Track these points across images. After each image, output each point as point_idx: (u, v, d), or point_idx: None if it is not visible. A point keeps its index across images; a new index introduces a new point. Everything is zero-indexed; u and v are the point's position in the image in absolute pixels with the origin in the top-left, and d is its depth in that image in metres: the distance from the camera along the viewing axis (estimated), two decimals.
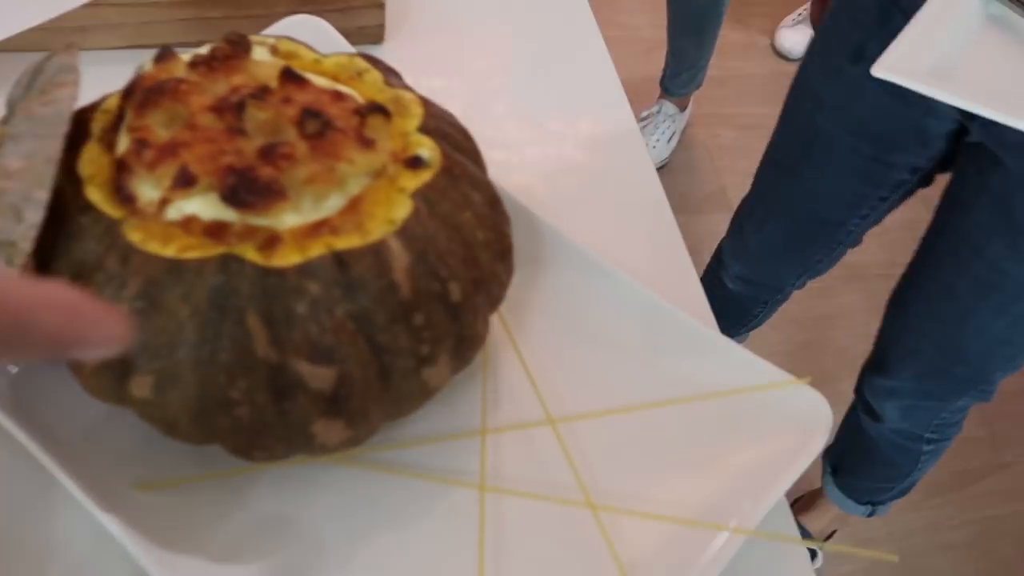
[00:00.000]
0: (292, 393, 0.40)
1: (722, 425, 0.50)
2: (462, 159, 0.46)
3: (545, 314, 0.54)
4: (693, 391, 0.51)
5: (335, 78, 0.48)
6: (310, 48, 0.50)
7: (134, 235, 0.40)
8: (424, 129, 0.45)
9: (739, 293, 1.32)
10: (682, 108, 2.06)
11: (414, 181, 0.43)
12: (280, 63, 0.45)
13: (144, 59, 0.46)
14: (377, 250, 0.40)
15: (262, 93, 0.42)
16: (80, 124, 0.45)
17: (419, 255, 0.41)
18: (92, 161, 0.43)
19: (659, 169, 2.06)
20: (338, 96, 0.44)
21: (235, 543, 0.45)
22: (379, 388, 0.42)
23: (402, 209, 0.42)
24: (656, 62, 2.03)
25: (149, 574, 0.41)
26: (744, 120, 2.21)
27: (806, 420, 0.49)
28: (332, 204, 0.41)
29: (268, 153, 0.40)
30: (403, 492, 0.47)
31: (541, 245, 0.55)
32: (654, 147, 2.02)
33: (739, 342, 1.37)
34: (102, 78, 0.51)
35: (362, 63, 0.49)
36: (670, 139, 2.04)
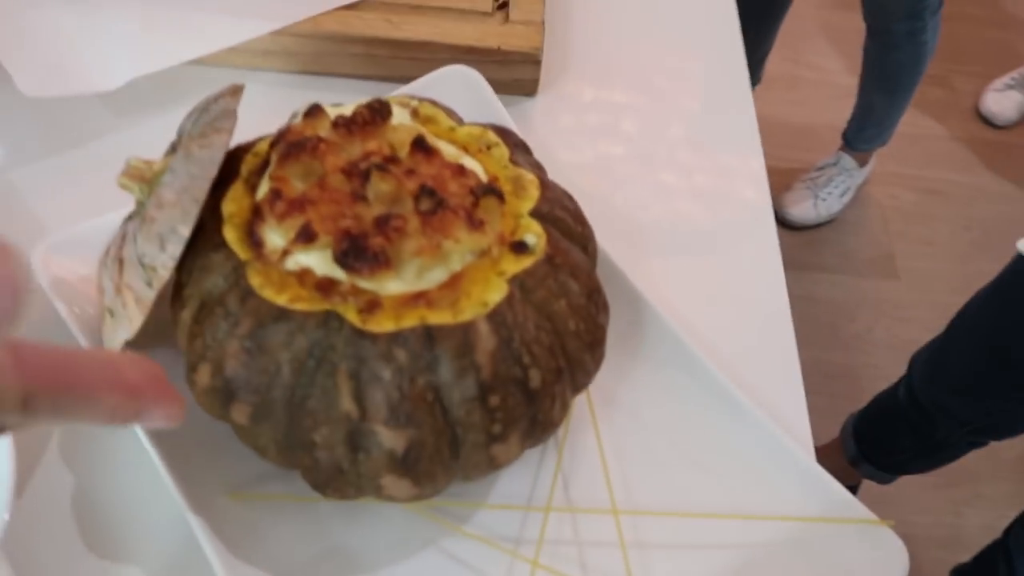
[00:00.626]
0: (367, 448, 0.43)
1: (791, 549, 0.49)
2: (567, 246, 0.47)
3: (632, 401, 0.55)
4: (768, 509, 0.50)
5: (465, 148, 0.50)
6: (451, 115, 0.52)
7: (255, 279, 0.44)
8: (536, 213, 0.47)
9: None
10: (862, 164, 1.97)
11: (515, 266, 0.45)
12: (415, 131, 0.48)
13: (305, 105, 0.50)
14: (466, 330, 0.42)
15: (387, 164, 0.45)
16: (233, 161, 0.49)
17: (504, 341, 0.43)
18: (235, 200, 0.47)
19: (826, 224, 1.98)
20: (461, 171, 0.47)
21: (302, 564, 0.49)
22: (448, 456, 0.44)
23: (497, 293, 0.43)
24: (842, 111, 1.95)
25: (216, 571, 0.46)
26: (929, 184, 2.08)
27: (883, 565, 0.48)
28: (434, 277, 0.44)
29: (383, 223, 0.43)
30: (461, 548, 0.50)
31: (642, 327, 0.56)
32: (824, 200, 1.94)
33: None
34: (275, 98, 0.56)
35: (493, 137, 0.51)
36: (843, 194, 1.96)
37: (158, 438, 0.49)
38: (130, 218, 0.49)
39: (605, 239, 0.57)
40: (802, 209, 1.94)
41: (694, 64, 0.75)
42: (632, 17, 0.78)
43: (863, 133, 1.90)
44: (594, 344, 0.48)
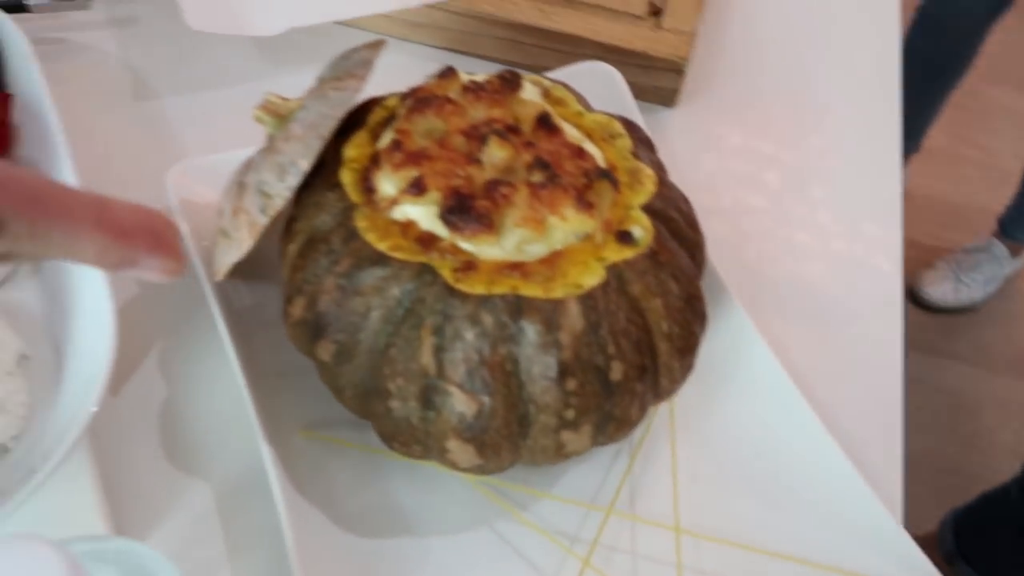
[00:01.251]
0: (437, 406, 0.43)
1: None
2: (674, 247, 0.46)
3: (717, 422, 0.53)
4: (838, 562, 0.47)
5: (589, 134, 0.50)
6: (581, 101, 0.52)
7: (361, 222, 0.45)
8: (648, 208, 0.46)
9: None
10: (1014, 254, 1.85)
11: (616, 254, 0.44)
12: (541, 108, 0.48)
13: (441, 68, 0.51)
14: (554, 307, 0.42)
15: (508, 132, 0.45)
16: (363, 111, 0.50)
17: (592, 325, 0.42)
18: (357, 146, 0.48)
19: (965, 311, 1.87)
20: (579, 153, 0.46)
21: (358, 512, 0.49)
22: (516, 432, 0.44)
23: (593, 277, 0.43)
24: (1001, 195, 1.84)
25: (277, 506, 0.46)
26: None
27: None
28: (533, 251, 0.44)
29: (492, 187, 0.43)
30: (515, 533, 0.49)
31: (740, 351, 0.54)
32: (967, 284, 1.83)
33: None
34: (415, 70, 0.56)
35: (619, 128, 0.50)
36: (988, 282, 1.84)
37: (248, 365, 0.50)
38: (263, 148, 0.51)
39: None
40: (941, 290, 1.83)
41: (847, 122, 0.72)
42: (788, 52, 0.76)
43: (1021, 222, 1.79)
44: (685, 351, 0.46)
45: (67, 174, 0.53)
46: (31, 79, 0.57)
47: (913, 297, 1.82)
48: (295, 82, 0.57)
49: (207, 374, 0.54)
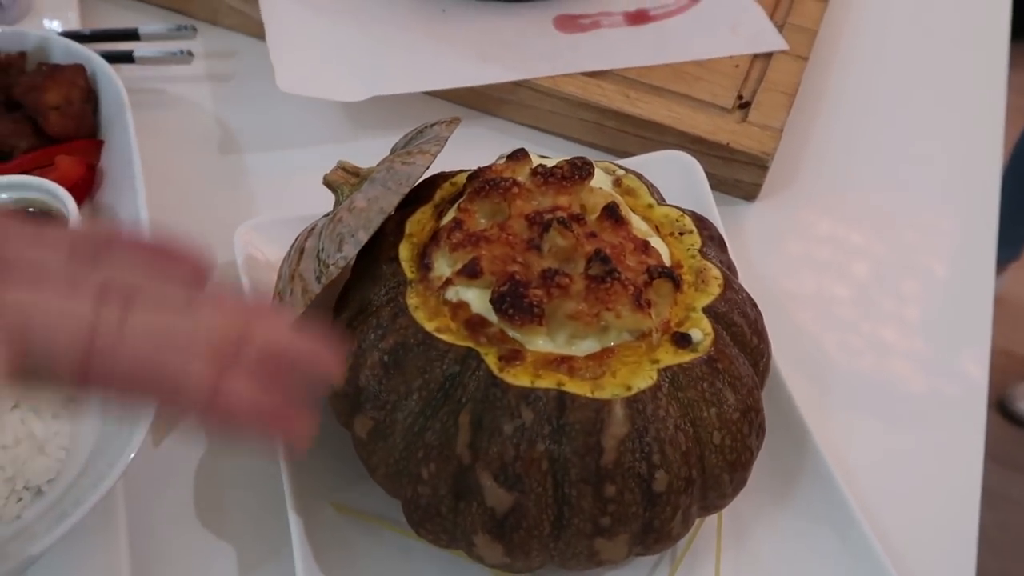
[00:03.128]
0: (468, 498, 0.41)
1: None
2: (735, 354, 0.44)
3: (767, 544, 0.49)
4: None
5: (657, 228, 0.48)
6: (653, 191, 0.51)
7: (412, 299, 0.44)
8: (711, 310, 0.44)
9: None
10: None
11: (671, 358, 0.42)
12: (611, 197, 0.47)
13: (514, 149, 0.50)
14: (599, 408, 0.40)
15: (572, 221, 0.44)
16: (431, 186, 0.50)
17: (638, 431, 0.40)
18: (419, 222, 0.48)
19: None
20: (644, 248, 0.45)
21: None
22: (548, 534, 0.41)
23: (644, 380, 0.41)
24: None
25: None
26: None
27: None
28: (584, 346, 0.42)
29: (548, 277, 0.42)
30: None
31: (801, 470, 0.50)
32: None
33: None
34: (497, 144, 0.56)
35: (689, 224, 0.48)
36: None
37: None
38: (327, 216, 0.51)
39: (796, 371, 0.53)
40: None
41: (937, 227, 0.69)
42: (879, 152, 0.73)
43: None
44: (737, 465, 0.43)
45: (141, 219, 0.54)
46: (122, 127, 0.59)
47: (1003, 410, 1.72)
48: (378, 146, 0.57)
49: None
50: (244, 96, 0.72)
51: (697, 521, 0.49)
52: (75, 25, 0.72)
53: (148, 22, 0.74)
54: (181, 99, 0.71)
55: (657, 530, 0.42)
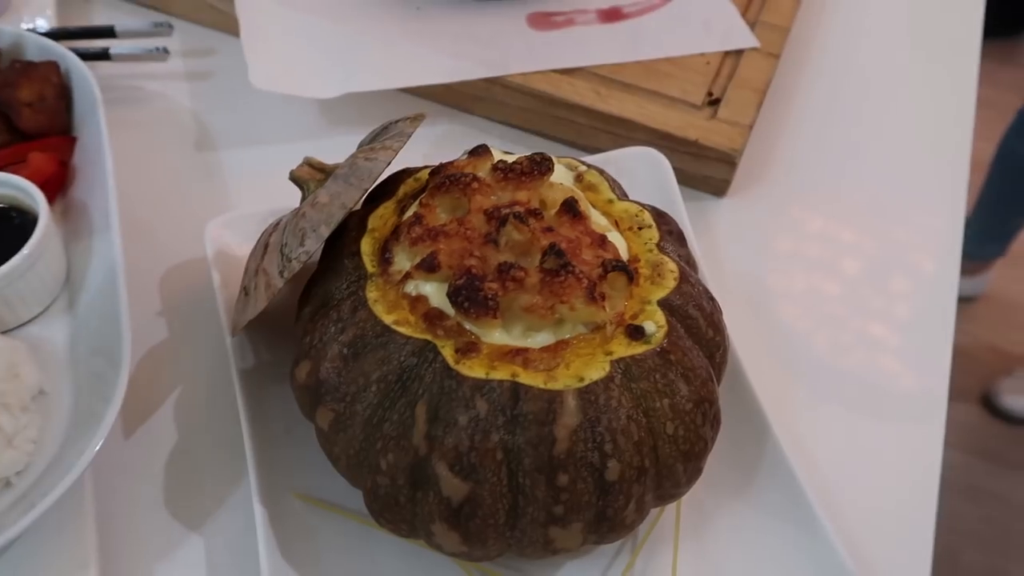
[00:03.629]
0: (425, 488, 0.42)
1: None
2: (689, 346, 0.44)
3: (726, 534, 0.50)
4: None
5: (617, 223, 0.49)
6: (615, 187, 0.51)
7: (372, 293, 0.45)
8: (666, 303, 0.45)
9: None
10: None
11: (624, 350, 0.43)
12: (570, 192, 0.47)
13: (476, 145, 0.51)
14: (551, 399, 0.40)
15: (529, 215, 0.45)
16: (395, 182, 0.51)
17: (590, 421, 0.41)
18: (381, 217, 0.49)
19: None
20: (601, 242, 0.45)
21: None
22: (504, 523, 0.42)
23: (596, 371, 0.41)
24: None
25: (262, 567, 0.46)
26: None
27: None
28: (539, 339, 0.43)
29: (503, 271, 0.43)
30: None
31: (761, 463, 0.51)
32: None
33: None
34: (471, 140, 0.57)
35: (648, 218, 0.49)
36: None
37: (255, 421, 0.51)
38: (291, 211, 0.52)
39: (760, 362, 0.54)
40: (1019, 400, 1.73)
41: (903, 224, 0.69)
42: (848, 149, 0.74)
43: None
44: (691, 455, 0.44)
45: (112, 216, 0.54)
46: (95, 124, 0.60)
47: (989, 404, 1.73)
48: (351, 142, 0.58)
49: (217, 426, 0.54)
50: (220, 93, 0.73)
51: (656, 511, 0.50)
52: (53, 23, 0.73)
53: (125, 19, 0.75)
54: (157, 96, 0.72)
55: (611, 519, 0.42)
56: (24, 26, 0.71)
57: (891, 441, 0.57)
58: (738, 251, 0.66)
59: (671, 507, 0.50)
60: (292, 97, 0.68)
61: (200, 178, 0.67)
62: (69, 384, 0.52)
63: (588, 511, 0.42)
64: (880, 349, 0.62)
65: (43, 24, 0.72)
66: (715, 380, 0.46)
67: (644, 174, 0.62)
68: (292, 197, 0.56)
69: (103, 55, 0.70)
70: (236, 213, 0.59)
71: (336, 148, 0.57)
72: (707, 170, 0.68)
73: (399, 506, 0.43)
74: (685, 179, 0.67)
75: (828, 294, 0.65)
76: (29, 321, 0.54)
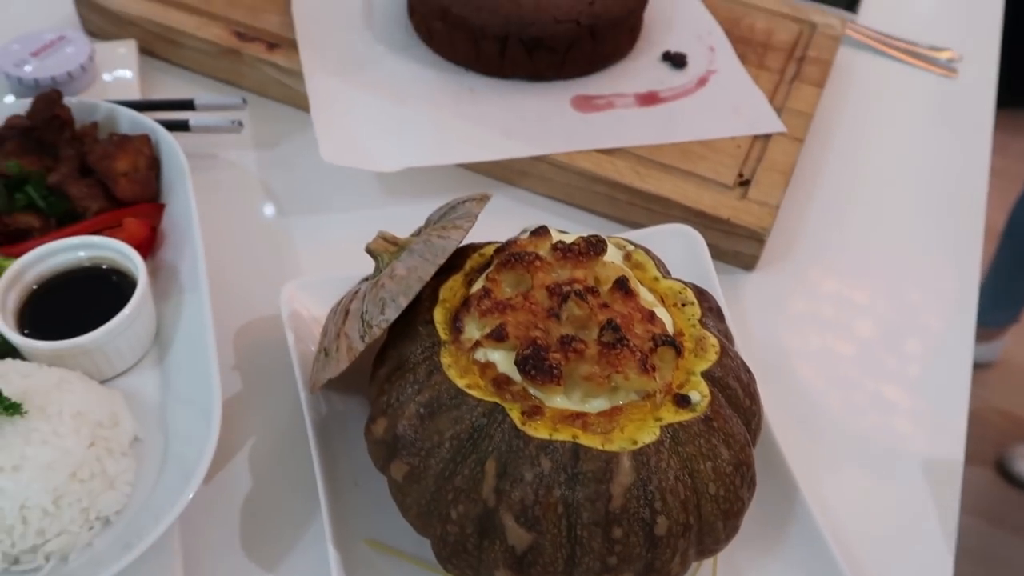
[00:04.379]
0: (492, 537, 0.47)
1: None
2: (729, 414, 0.49)
3: None
4: None
5: (663, 299, 0.54)
6: (659, 265, 0.57)
7: (445, 358, 0.50)
8: (708, 375, 0.50)
9: None
10: None
11: (673, 416, 0.47)
12: (621, 271, 0.53)
13: (536, 226, 0.56)
14: (608, 459, 0.45)
15: (587, 292, 0.50)
16: (461, 256, 0.56)
17: (642, 480, 0.45)
18: (451, 289, 0.54)
19: None
20: (650, 317, 0.51)
21: None
22: (562, 571, 0.47)
23: (648, 435, 0.46)
24: None
25: None
26: None
27: None
28: (596, 404, 0.48)
29: (565, 342, 0.48)
30: None
31: (791, 521, 0.56)
32: None
33: None
34: (517, 213, 0.62)
35: (691, 296, 0.54)
36: None
37: (327, 471, 0.55)
38: (367, 279, 0.58)
39: (788, 425, 0.58)
40: None
41: (923, 295, 0.75)
42: (868, 226, 0.80)
43: None
44: (730, 514, 0.49)
45: (201, 279, 0.60)
46: (183, 192, 0.66)
47: (1002, 470, 1.75)
48: (409, 212, 0.64)
49: (289, 475, 0.59)
50: (287, 163, 0.79)
51: (694, 565, 0.54)
52: (136, 95, 0.80)
53: (199, 92, 0.81)
54: (229, 165, 0.78)
55: (658, 570, 0.47)
56: (110, 97, 0.78)
57: (909, 501, 0.61)
58: (765, 320, 0.71)
59: (707, 561, 0.55)
60: (355, 170, 0.74)
61: (271, 242, 0.73)
62: (159, 432, 0.57)
63: (638, 562, 0.46)
64: (896, 411, 0.67)
65: (127, 95, 0.79)
66: (751, 445, 0.51)
67: (680, 249, 0.68)
68: (356, 263, 0.62)
69: (183, 126, 0.77)
70: (308, 278, 0.65)
71: (394, 218, 0.62)
72: (738, 246, 0.73)
73: (466, 553, 0.48)
74: (716, 253, 0.72)
75: (845, 355, 0.70)
76: (123, 373, 0.59)
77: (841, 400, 0.67)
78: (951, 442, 0.65)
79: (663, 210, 0.74)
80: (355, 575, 0.53)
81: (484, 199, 0.57)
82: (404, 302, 0.51)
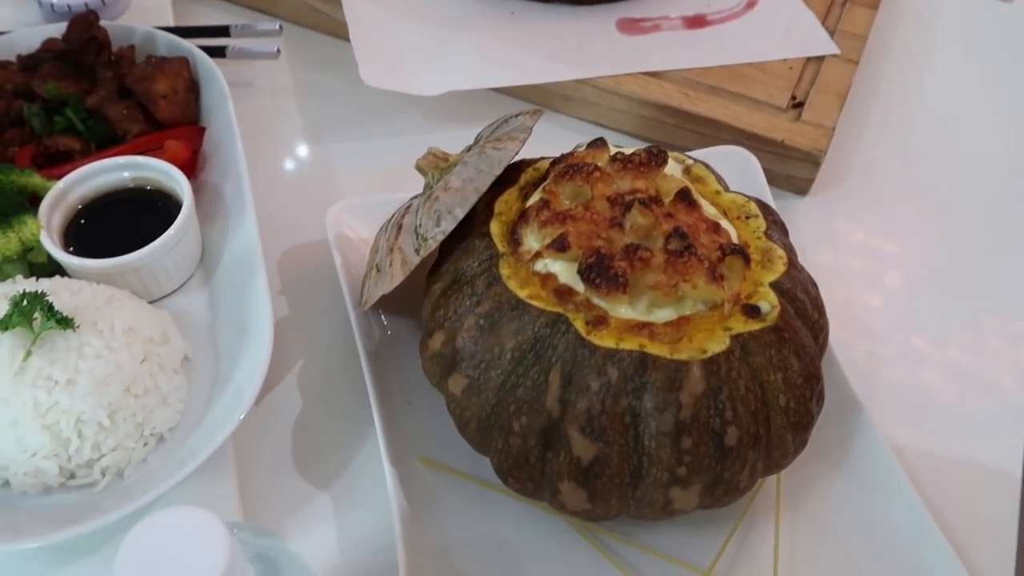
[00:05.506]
0: (556, 448, 0.46)
1: None
2: (798, 326, 0.48)
3: (826, 503, 0.53)
4: None
5: (725, 212, 0.52)
6: (720, 180, 0.55)
7: (504, 270, 0.48)
8: (776, 286, 0.48)
9: None
10: None
11: (742, 326, 0.46)
12: (683, 183, 0.51)
13: (594, 138, 0.54)
14: (678, 367, 0.44)
15: (651, 202, 0.48)
16: (514, 171, 0.55)
17: (712, 389, 0.44)
18: (507, 202, 0.52)
19: None
20: (715, 228, 0.49)
21: (464, 540, 0.52)
22: (627, 483, 0.46)
23: (717, 345, 0.45)
24: None
25: (394, 524, 0.49)
26: None
27: None
28: (662, 314, 0.46)
29: (631, 251, 0.46)
30: None
31: (855, 440, 0.54)
32: None
33: None
34: (561, 138, 0.60)
35: (754, 208, 0.52)
36: None
37: (379, 391, 0.54)
38: (420, 195, 0.56)
39: (845, 348, 0.57)
40: None
41: (975, 225, 0.72)
42: (927, 152, 0.77)
43: None
44: (799, 427, 0.47)
45: (247, 201, 0.59)
46: (224, 116, 0.64)
47: None
48: (447, 138, 0.62)
49: (341, 396, 0.58)
50: (323, 90, 0.77)
51: (759, 481, 0.53)
52: (169, 22, 0.78)
53: (233, 19, 0.79)
54: (269, 91, 0.76)
55: (727, 482, 0.46)
56: (147, 25, 0.76)
57: (977, 428, 0.60)
58: (819, 245, 0.69)
59: (770, 479, 0.54)
60: (389, 94, 0.72)
61: (311, 168, 0.72)
62: (209, 352, 0.56)
63: (707, 474, 0.45)
64: (954, 344, 0.65)
65: (162, 22, 0.77)
66: (819, 359, 0.50)
67: (734, 172, 0.65)
68: (398, 186, 0.61)
69: (219, 52, 0.75)
70: (351, 200, 0.63)
71: (434, 142, 0.60)
72: (791, 169, 0.71)
73: (529, 466, 0.47)
74: (769, 178, 0.70)
75: (900, 283, 0.68)
76: (170, 294, 0.59)
77: (887, 330, 0.65)
78: (1008, 395, 0.63)
79: (713, 133, 0.71)
80: (411, 493, 0.52)
81: (536, 113, 0.55)
82: (460, 213, 0.50)
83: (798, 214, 0.71)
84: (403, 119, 0.75)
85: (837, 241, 0.70)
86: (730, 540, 0.52)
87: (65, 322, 0.48)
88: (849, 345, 0.63)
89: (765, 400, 0.46)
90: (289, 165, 0.72)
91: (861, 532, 0.52)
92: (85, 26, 0.65)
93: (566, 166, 0.51)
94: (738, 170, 0.66)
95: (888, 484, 0.52)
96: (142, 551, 0.31)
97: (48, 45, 0.66)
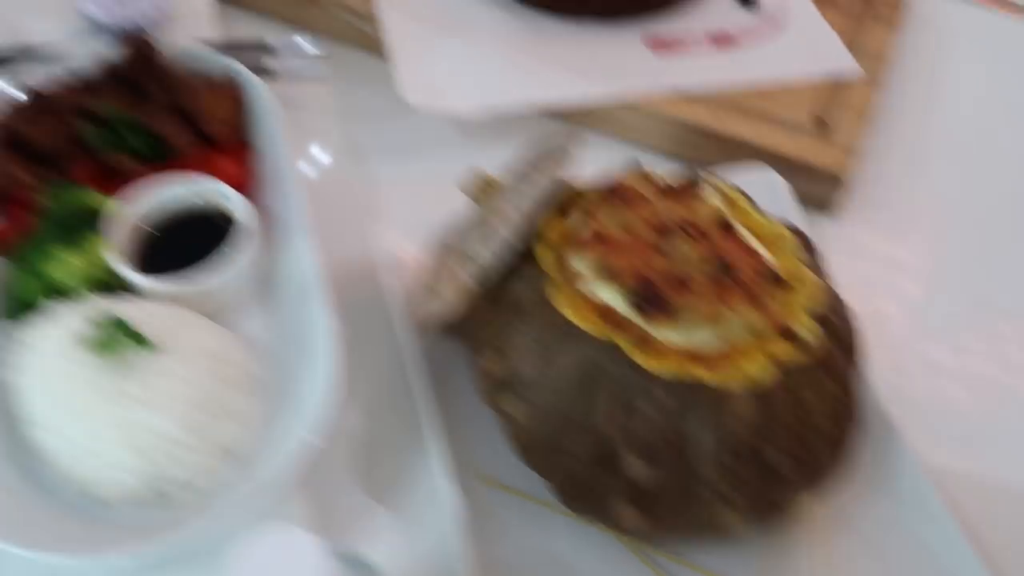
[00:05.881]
0: (610, 468, 0.48)
1: None
2: (837, 353, 0.50)
3: (861, 521, 0.56)
4: None
5: (759, 237, 0.55)
6: (752, 203, 0.57)
7: (552, 291, 0.51)
8: (815, 314, 0.51)
9: None
10: None
11: (784, 353, 0.48)
12: (720, 210, 0.54)
13: (630, 162, 0.57)
14: (727, 395, 0.47)
15: (692, 229, 0.51)
16: (558, 194, 0.57)
17: (762, 417, 0.47)
18: (552, 226, 0.55)
19: None
20: (752, 254, 0.52)
21: (521, 558, 0.54)
22: (680, 504, 0.48)
23: (762, 372, 0.47)
24: None
25: (459, 542, 0.51)
26: None
27: None
28: (704, 339, 0.49)
29: (678, 279, 0.49)
30: None
31: (888, 459, 0.57)
32: None
33: None
34: (598, 156, 0.62)
35: (787, 234, 0.55)
36: None
37: (443, 411, 0.57)
38: (468, 218, 0.59)
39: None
40: None
41: (1001, 247, 0.75)
42: (952, 172, 0.80)
43: None
44: (835, 444, 0.50)
45: (302, 221, 0.61)
46: (274, 137, 0.66)
47: None
48: (487, 157, 0.64)
49: (396, 413, 0.59)
50: (359, 107, 0.79)
51: (799, 503, 0.56)
52: (210, 35, 0.80)
53: (271, 35, 0.81)
54: (315, 110, 0.79)
55: (772, 503, 0.49)
56: (184, 41, 0.78)
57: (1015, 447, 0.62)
58: (845, 266, 0.71)
59: (810, 498, 0.56)
60: (431, 115, 0.74)
61: (352, 186, 0.74)
62: (273, 372, 0.57)
63: (754, 496, 0.48)
64: (986, 360, 0.67)
65: (203, 37, 0.79)
66: (856, 384, 0.52)
67: (760, 192, 0.68)
68: (443, 206, 0.62)
69: (265, 71, 0.77)
70: (399, 219, 0.66)
71: (476, 162, 0.62)
72: (815, 189, 0.73)
73: (583, 483, 0.49)
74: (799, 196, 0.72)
75: (928, 305, 0.70)
76: (230, 315, 0.61)
77: (922, 349, 0.68)
78: None
79: (739, 152, 0.74)
80: (470, 510, 0.54)
81: (573, 136, 0.58)
82: (512, 239, 0.52)
83: (821, 233, 0.74)
84: (442, 138, 0.77)
85: (862, 260, 0.73)
86: (773, 559, 0.54)
87: (143, 342, 0.50)
88: (877, 364, 0.65)
89: (807, 425, 0.49)
90: (330, 183, 0.74)
91: (899, 554, 0.55)
92: (143, 49, 0.68)
93: (608, 191, 0.54)
94: (767, 191, 0.68)
95: (924, 506, 0.55)
96: (247, 570, 0.34)
97: (107, 69, 0.68)
